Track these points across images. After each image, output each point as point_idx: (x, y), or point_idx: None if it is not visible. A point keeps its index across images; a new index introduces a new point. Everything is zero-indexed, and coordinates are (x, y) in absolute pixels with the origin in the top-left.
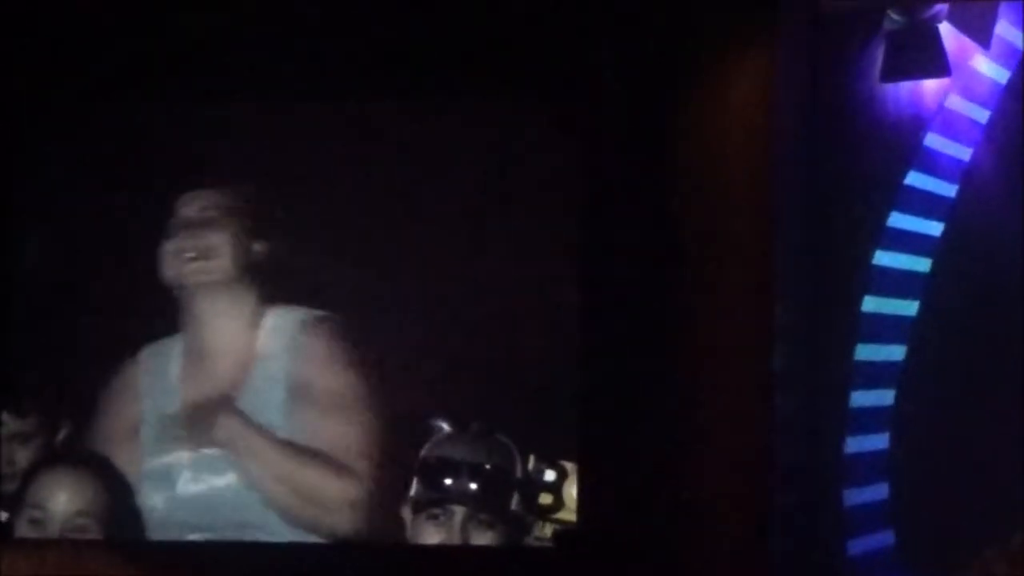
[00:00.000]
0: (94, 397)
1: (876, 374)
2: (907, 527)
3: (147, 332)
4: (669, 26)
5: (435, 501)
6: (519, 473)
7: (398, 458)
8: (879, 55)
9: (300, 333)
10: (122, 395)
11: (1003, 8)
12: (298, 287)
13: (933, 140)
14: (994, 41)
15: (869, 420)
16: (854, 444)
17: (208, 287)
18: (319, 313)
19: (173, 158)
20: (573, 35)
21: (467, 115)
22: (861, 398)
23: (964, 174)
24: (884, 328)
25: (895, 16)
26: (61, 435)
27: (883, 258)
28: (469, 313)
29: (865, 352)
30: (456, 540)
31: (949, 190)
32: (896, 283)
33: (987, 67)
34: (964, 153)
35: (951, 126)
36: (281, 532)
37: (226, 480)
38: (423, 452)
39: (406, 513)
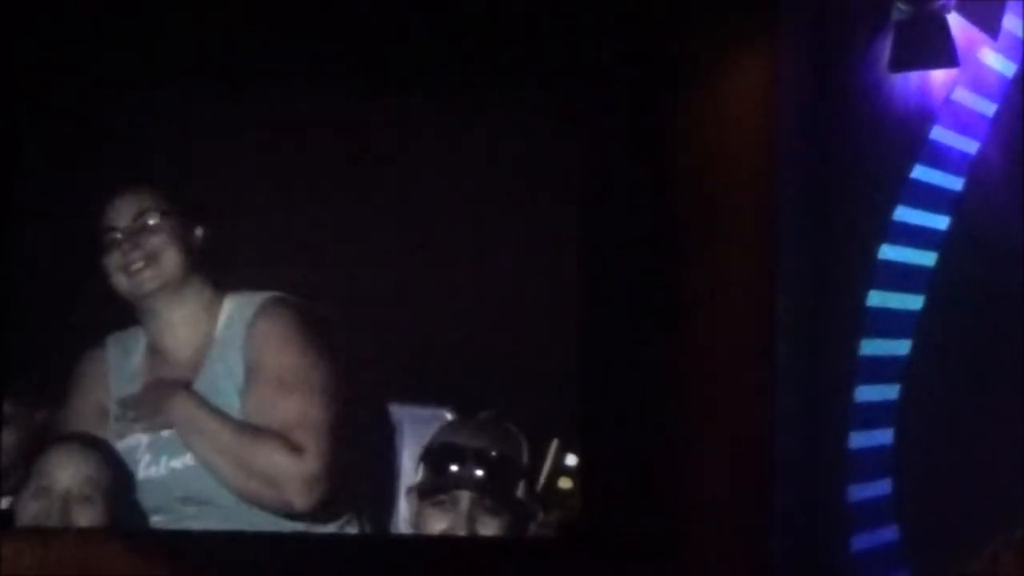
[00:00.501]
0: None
1: (881, 369)
2: (912, 523)
3: (114, 320)
4: (670, 20)
5: (441, 487)
6: (525, 460)
7: (361, 439)
8: (887, 46)
9: (256, 315)
10: (90, 381)
11: (1011, 2)
12: (297, 282)
13: (939, 133)
14: (1001, 34)
15: (874, 415)
16: (858, 439)
17: (162, 288)
18: (275, 295)
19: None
20: (573, 30)
21: (467, 110)
22: (866, 393)
23: (971, 168)
24: (889, 323)
25: (903, 6)
26: (39, 419)
27: (888, 252)
28: (471, 306)
29: (870, 347)
30: (461, 527)
31: (955, 184)
32: (902, 277)
33: (994, 60)
34: (971, 146)
35: (957, 119)
36: (239, 513)
37: (183, 461)
38: (428, 439)
39: (411, 500)
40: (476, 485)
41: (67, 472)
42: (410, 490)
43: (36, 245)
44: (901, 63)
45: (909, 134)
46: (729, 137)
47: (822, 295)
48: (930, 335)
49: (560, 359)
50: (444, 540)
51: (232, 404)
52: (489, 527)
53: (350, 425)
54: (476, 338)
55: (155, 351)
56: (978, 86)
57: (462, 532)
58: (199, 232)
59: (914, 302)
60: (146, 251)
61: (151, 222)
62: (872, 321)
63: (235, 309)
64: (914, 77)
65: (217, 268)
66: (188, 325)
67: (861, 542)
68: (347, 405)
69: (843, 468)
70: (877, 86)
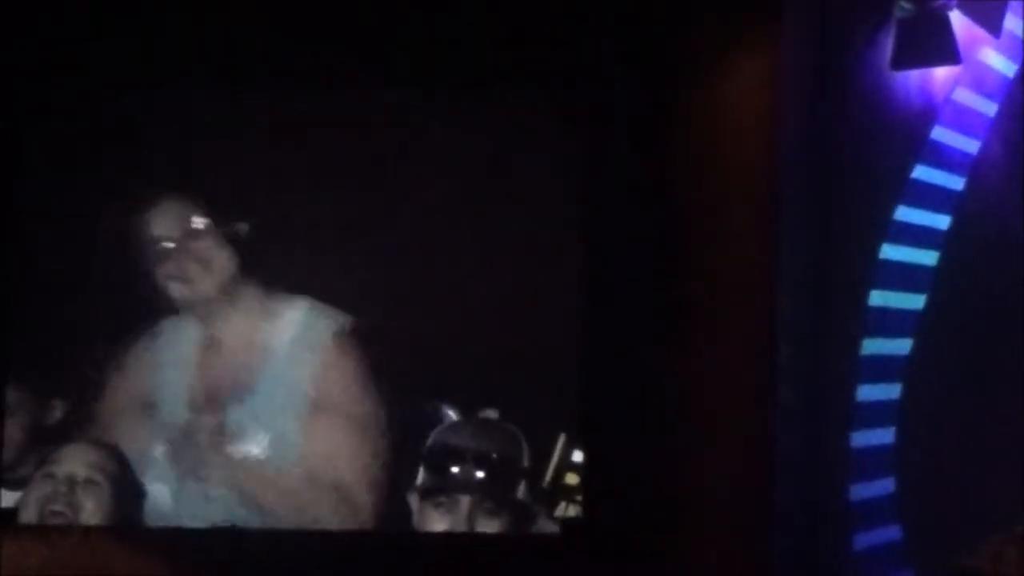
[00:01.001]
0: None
1: (882, 368)
2: (914, 522)
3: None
4: (673, 16)
5: (442, 488)
6: (526, 461)
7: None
8: (889, 43)
9: (333, 346)
10: (135, 370)
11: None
12: (302, 279)
13: (940, 133)
14: (1003, 34)
15: (876, 414)
16: (860, 438)
17: (219, 292)
18: (350, 323)
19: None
20: (576, 25)
21: (470, 106)
22: (867, 392)
23: (971, 167)
24: (891, 322)
25: (905, 4)
26: (57, 413)
27: (890, 252)
28: (474, 303)
29: (872, 346)
30: (462, 528)
31: (956, 183)
32: (903, 277)
33: (995, 60)
34: (971, 146)
35: (958, 119)
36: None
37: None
38: (430, 440)
39: (413, 500)
40: (476, 487)
41: (73, 457)
42: (411, 491)
43: (37, 241)
44: (903, 61)
45: (910, 134)
46: (730, 137)
47: (823, 295)
48: (931, 334)
49: (562, 359)
50: (449, 537)
51: (288, 423)
52: (489, 528)
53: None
54: (479, 337)
55: (210, 345)
56: (979, 86)
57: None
58: (243, 230)
59: (915, 301)
60: (198, 258)
61: (197, 228)
62: (873, 320)
63: (303, 327)
64: (915, 76)
65: (266, 269)
66: (245, 328)
67: (863, 541)
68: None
69: (844, 467)
70: (878, 85)
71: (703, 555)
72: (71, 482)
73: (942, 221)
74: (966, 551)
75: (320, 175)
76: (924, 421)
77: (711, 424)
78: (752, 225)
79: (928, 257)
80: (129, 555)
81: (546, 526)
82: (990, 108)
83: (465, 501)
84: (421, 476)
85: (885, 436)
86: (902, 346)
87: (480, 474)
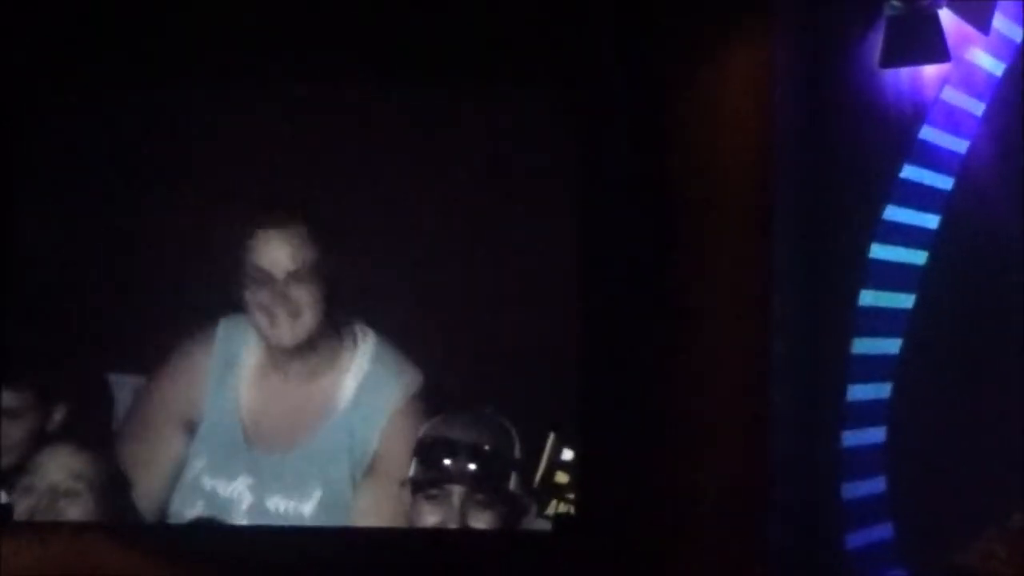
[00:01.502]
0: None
1: (873, 367)
2: (905, 519)
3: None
4: (667, 14)
5: (433, 481)
6: (518, 454)
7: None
8: (879, 41)
9: (401, 411)
10: (191, 362)
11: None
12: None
13: (929, 133)
14: (991, 33)
15: (866, 413)
16: (851, 438)
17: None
18: (417, 388)
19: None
20: (572, 23)
21: (467, 104)
22: (858, 392)
23: (960, 167)
24: (881, 321)
25: (895, 2)
26: (58, 415)
27: (879, 251)
28: (470, 297)
29: (862, 346)
30: (454, 520)
31: (945, 183)
32: (892, 276)
33: (983, 59)
34: (960, 146)
35: (947, 118)
36: None
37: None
38: (421, 432)
39: (404, 494)
40: (468, 479)
41: (55, 467)
42: (403, 483)
43: (36, 242)
44: (892, 59)
45: (899, 133)
46: (724, 138)
47: (814, 294)
48: (921, 333)
49: (559, 356)
50: (440, 533)
51: (341, 472)
52: (481, 521)
53: None
54: (476, 332)
55: (269, 350)
56: (968, 85)
57: (454, 526)
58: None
59: (905, 301)
60: (292, 305)
61: (298, 270)
62: (864, 320)
63: (369, 383)
64: (905, 76)
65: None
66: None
67: (856, 539)
68: None
69: (837, 466)
70: (868, 84)
71: (696, 553)
72: (53, 492)
73: (931, 221)
74: (957, 549)
75: (315, 174)
76: (915, 420)
77: (706, 422)
78: (745, 226)
79: (917, 257)
80: (124, 552)
81: (538, 523)
82: (979, 108)
83: (457, 493)
84: (413, 468)
85: (876, 435)
86: (892, 345)
87: (472, 467)
